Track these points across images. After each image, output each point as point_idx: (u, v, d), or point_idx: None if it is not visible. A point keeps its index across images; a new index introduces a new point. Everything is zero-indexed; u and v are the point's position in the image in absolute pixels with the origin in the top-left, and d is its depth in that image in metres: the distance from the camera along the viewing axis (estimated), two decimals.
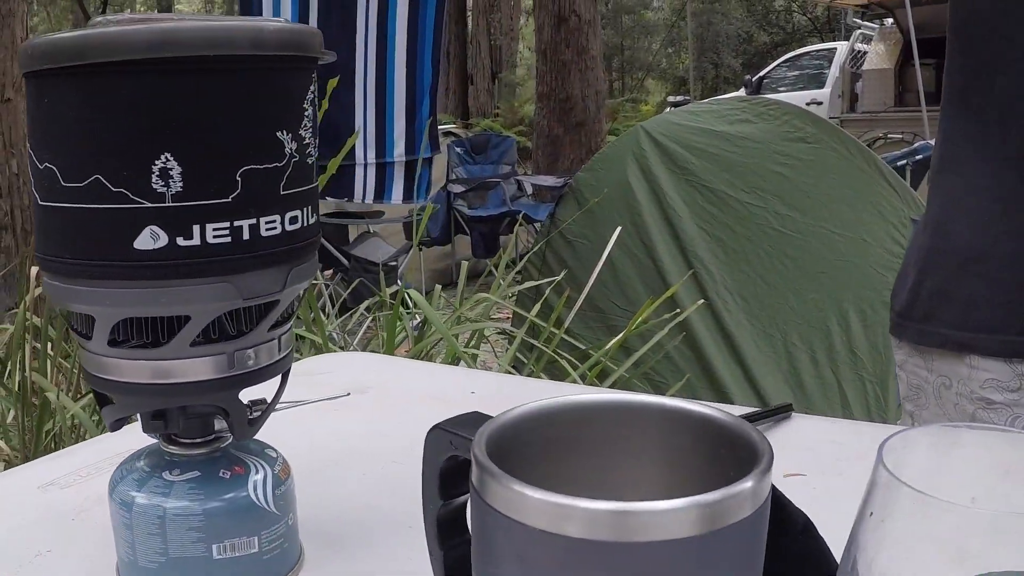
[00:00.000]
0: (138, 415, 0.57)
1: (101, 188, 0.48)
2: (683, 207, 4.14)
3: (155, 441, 0.60)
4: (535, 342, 2.59)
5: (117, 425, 0.57)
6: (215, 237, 0.49)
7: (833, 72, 14.24)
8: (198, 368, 0.53)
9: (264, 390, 0.59)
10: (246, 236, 0.50)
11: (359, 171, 5.43)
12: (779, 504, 0.52)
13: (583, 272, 3.65)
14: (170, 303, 0.50)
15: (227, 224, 0.50)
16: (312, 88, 0.55)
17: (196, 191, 0.49)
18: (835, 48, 15.12)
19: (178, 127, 0.48)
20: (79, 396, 2.25)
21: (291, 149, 0.52)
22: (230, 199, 0.50)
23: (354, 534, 0.68)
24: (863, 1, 12.79)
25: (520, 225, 7.16)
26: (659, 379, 3.76)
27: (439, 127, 7.32)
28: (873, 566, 0.36)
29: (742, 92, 15.41)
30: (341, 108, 5.28)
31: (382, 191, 5.49)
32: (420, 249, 5.96)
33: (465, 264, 3.20)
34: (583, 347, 2.82)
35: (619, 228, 3.34)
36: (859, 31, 13.63)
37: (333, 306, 3.58)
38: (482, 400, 0.95)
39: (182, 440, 0.58)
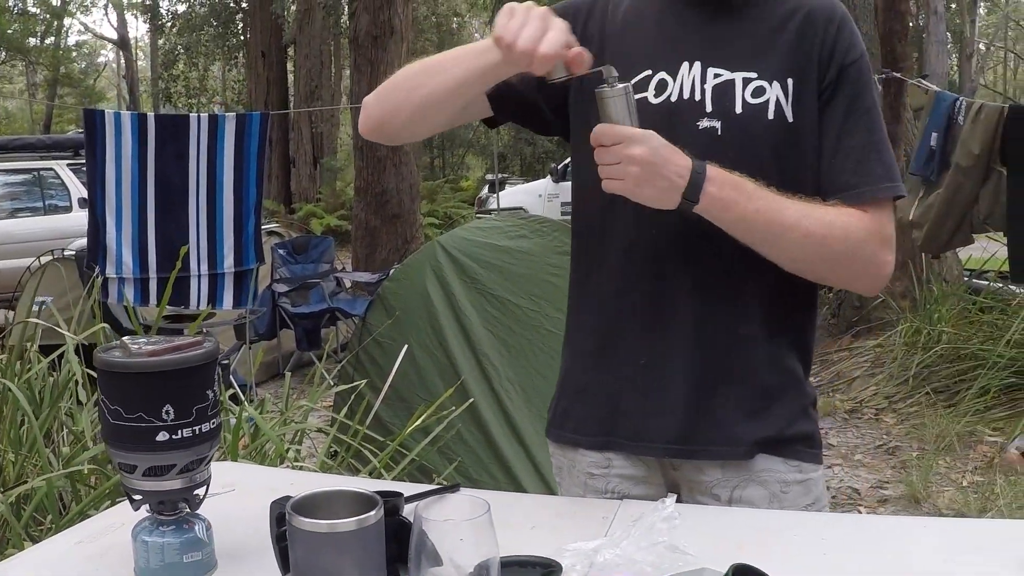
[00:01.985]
0: (148, 503, 1.35)
1: (142, 418, 1.27)
2: (472, 311, 4.90)
3: (147, 515, 1.37)
4: (344, 436, 3.38)
5: (138, 508, 1.35)
6: (186, 434, 1.29)
7: None
8: (178, 483, 1.32)
9: None
10: (197, 432, 1.30)
11: (194, 281, 6.10)
12: (405, 525, 1.34)
13: (391, 367, 4.38)
14: (168, 460, 1.29)
15: (191, 429, 1.29)
16: (217, 366, 1.35)
17: (180, 417, 1.28)
18: None
19: (172, 395, 1.28)
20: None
21: (212, 395, 1.32)
22: (191, 419, 1.29)
23: (241, 555, 1.47)
24: None
25: (339, 320, 7.94)
26: (452, 455, 4.49)
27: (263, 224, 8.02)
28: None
29: (549, 179, 16.43)
30: (178, 226, 5.98)
31: (214, 298, 6.19)
32: (249, 347, 6.69)
33: (289, 376, 3.97)
34: (381, 438, 3.58)
35: (405, 346, 4.12)
36: None
37: None
38: (298, 487, 1.73)
39: (166, 512, 1.35)
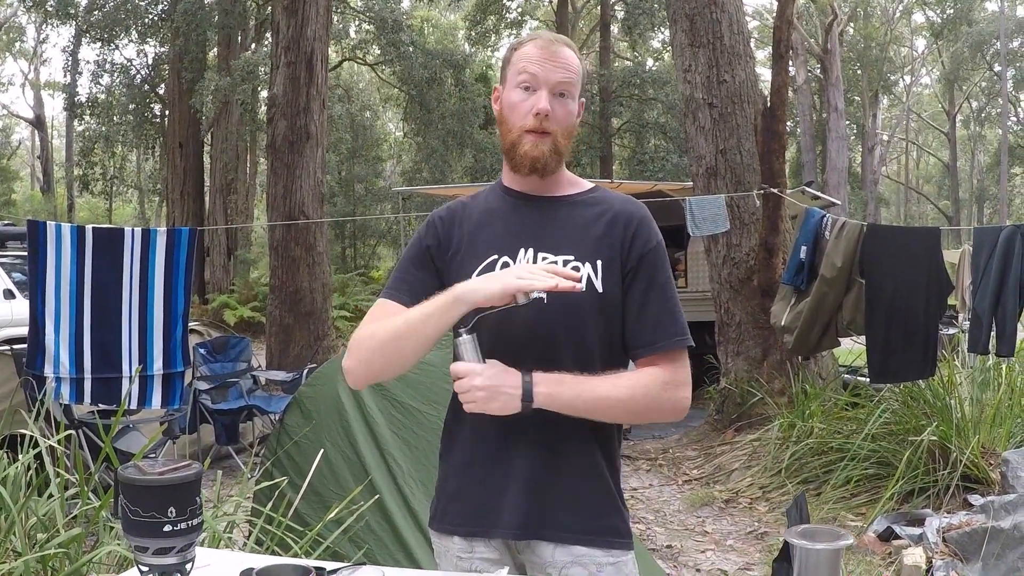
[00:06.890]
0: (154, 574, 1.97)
1: (154, 516, 1.90)
2: (380, 415, 5.37)
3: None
4: (268, 527, 3.96)
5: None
6: (182, 527, 1.92)
7: None
8: (175, 560, 1.94)
9: None
10: (190, 525, 1.93)
11: (125, 382, 6.57)
12: None
13: (308, 465, 4.84)
14: (171, 544, 1.92)
15: (186, 523, 1.92)
16: (200, 484, 1.98)
17: (179, 515, 1.91)
18: None
19: (174, 500, 1.91)
20: None
21: (198, 500, 1.95)
22: (186, 516, 1.92)
23: None
24: None
25: (256, 416, 8.48)
26: (362, 542, 4.82)
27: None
28: None
29: None
30: (111, 331, 6.49)
31: (144, 398, 6.68)
32: (173, 442, 7.21)
33: (220, 473, 4.52)
34: (300, 528, 4.16)
35: (321, 451, 4.70)
36: None
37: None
38: (250, 563, 2.35)
39: None
